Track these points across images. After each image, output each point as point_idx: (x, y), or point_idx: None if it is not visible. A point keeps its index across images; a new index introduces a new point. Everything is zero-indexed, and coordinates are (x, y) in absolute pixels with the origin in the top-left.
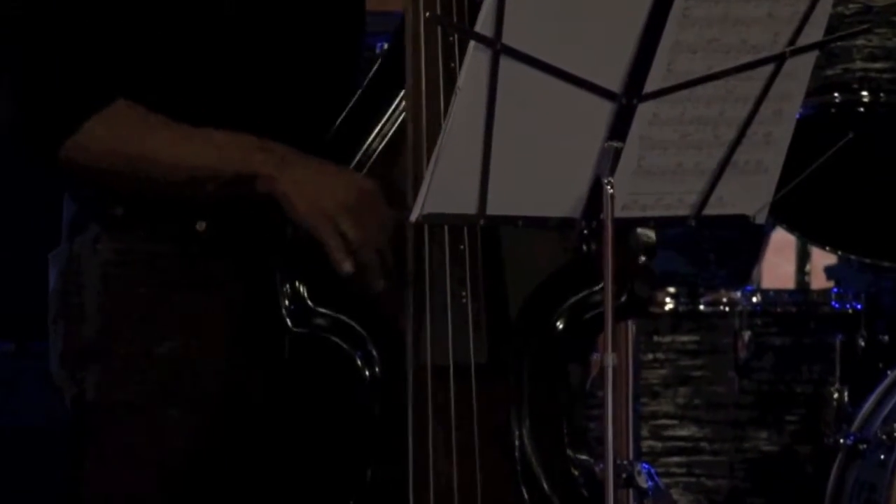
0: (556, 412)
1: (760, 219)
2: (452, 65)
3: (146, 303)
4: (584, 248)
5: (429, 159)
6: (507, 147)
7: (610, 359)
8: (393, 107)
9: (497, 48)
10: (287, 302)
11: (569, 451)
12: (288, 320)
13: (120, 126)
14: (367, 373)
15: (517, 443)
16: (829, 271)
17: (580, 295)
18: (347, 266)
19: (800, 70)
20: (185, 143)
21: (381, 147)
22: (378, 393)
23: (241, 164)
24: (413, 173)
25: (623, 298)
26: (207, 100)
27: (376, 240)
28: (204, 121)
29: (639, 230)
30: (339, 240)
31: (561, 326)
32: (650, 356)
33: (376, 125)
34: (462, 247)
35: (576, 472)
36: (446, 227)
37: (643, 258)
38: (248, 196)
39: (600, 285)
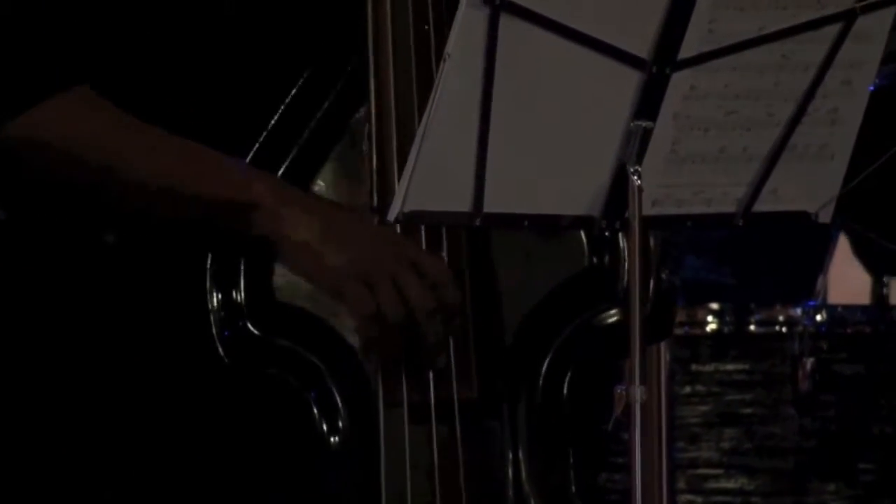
0: (561, 458)
1: (825, 217)
2: (426, 27)
3: (36, 328)
4: (593, 258)
5: (398, 143)
6: (510, 128)
7: (638, 392)
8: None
9: (496, 4)
10: (220, 327)
11: None
12: (221, 350)
13: (86, 111)
14: (324, 419)
15: (512, 495)
16: None
17: (586, 316)
18: (375, 358)
19: (874, 30)
20: (170, 149)
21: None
22: (339, 443)
23: (237, 189)
24: (376, 162)
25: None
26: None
27: (424, 303)
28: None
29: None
30: (376, 312)
31: (566, 354)
32: (688, 389)
33: (327, 104)
34: (442, 255)
35: None
36: (422, 229)
37: (664, 271)
38: (235, 231)
39: (610, 304)
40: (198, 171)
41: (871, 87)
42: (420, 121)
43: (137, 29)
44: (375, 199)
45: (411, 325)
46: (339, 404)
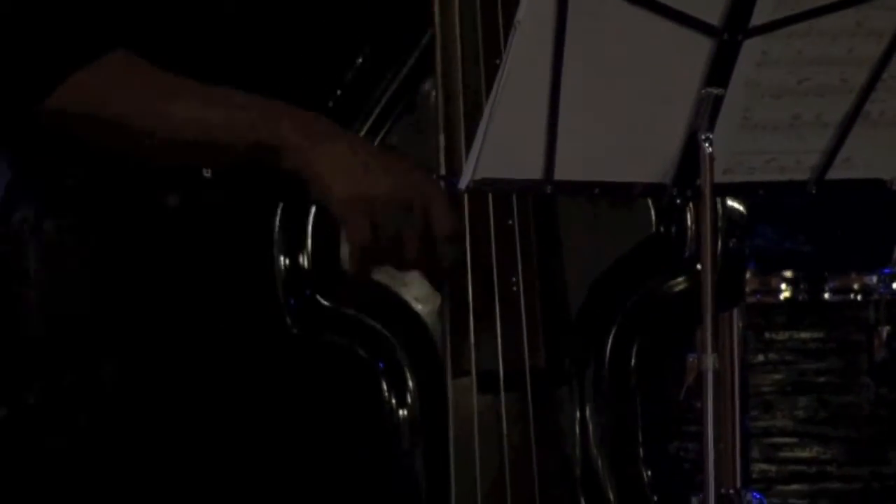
0: (630, 425)
1: None
2: None
3: (104, 295)
4: (660, 227)
5: (467, 114)
6: (580, 96)
7: (710, 361)
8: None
9: None
10: (287, 295)
11: (646, 474)
12: (288, 319)
13: (119, 75)
14: (393, 390)
15: (581, 463)
16: None
17: (652, 284)
18: (355, 268)
19: None
20: (198, 100)
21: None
22: (408, 415)
23: (264, 131)
24: (444, 132)
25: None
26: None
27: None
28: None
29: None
30: (372, 245)
31: (633, 322)
32: (761, 358)
33: (395, 75)
34: (511, 222)
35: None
36: (490, 198)
37: (732, 238)
38: (269, 169)
39: (676, 272)
40: (225, 113)
41: None
42: (487, 91)
43: None
44: (443, 168)
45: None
46: (408, 375)
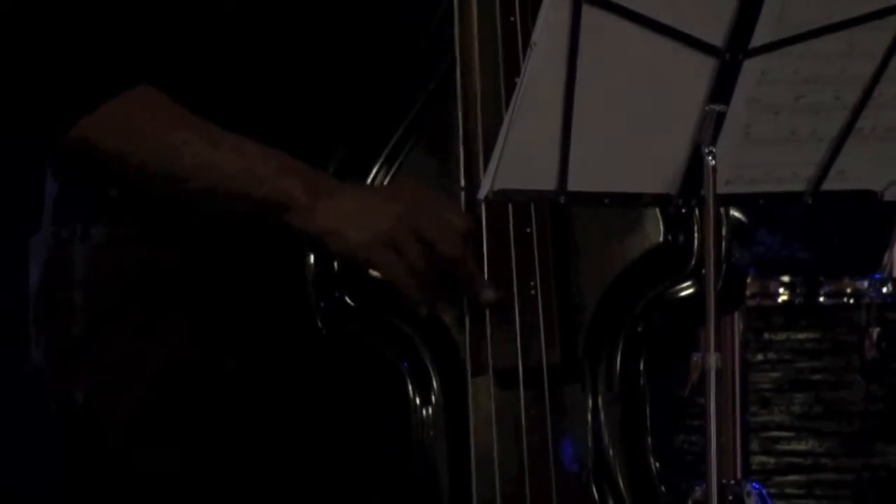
0: (639, 420)
1: (891, 195)
2: (512, 18)
3: (146, 298)
4: (669, 235)
5: (488, 129)
6: (592, 112)
7: (713, 360)
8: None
9: None
10: (317, 298)
11: (654, 465)
12: (319, 321)
13: (142, 110)
14: (417, 389)
15: (593, 456)
16: None
17: (659, 288)
18: (425, 309)
19: None
20: (212, 147)
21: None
22: (431, 413)
23: (272, 187)
24: (464, 147)
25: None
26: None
27: (453, 250)
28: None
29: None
30: (408, 271)
31: (643, 323)
32: (760, 357)
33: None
34: (529, 230)
35: (663, 488)
36: (510, 207)
37: (735, 247)
38: (275, 225)
39: (682, 277)
40: (234, 163)
41: None
42: (506, 107)
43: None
44: (463, 180)
45: (443, 269)
46: (432, 374)
